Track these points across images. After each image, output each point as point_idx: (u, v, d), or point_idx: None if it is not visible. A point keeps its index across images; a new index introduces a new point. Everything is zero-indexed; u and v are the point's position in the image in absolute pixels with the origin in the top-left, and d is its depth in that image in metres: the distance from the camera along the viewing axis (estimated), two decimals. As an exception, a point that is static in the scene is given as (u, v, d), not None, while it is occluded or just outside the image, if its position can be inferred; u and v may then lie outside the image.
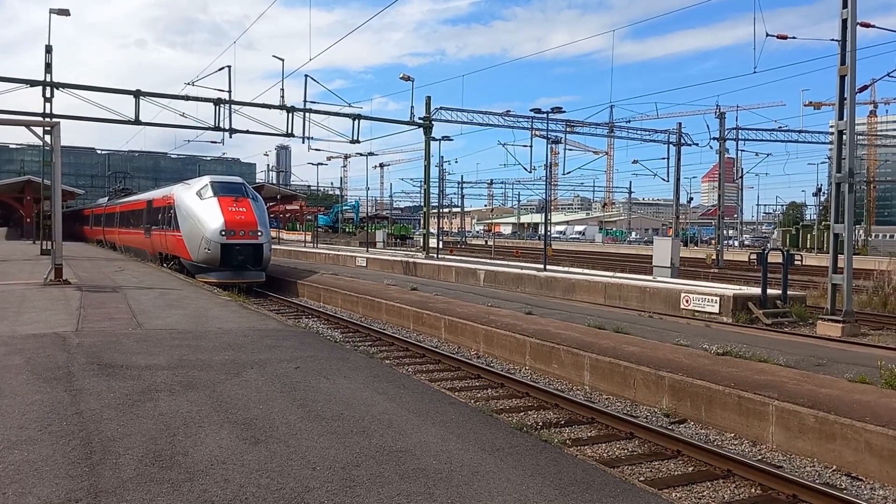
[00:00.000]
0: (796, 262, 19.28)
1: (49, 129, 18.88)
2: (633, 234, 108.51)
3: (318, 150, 78.02)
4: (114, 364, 8.31)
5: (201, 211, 23.50)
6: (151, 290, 17.56)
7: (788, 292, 17.70)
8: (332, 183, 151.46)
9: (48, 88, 25.78)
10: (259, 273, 23.61)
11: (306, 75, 31.01)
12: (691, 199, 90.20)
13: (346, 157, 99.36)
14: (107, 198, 50.34)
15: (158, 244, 27.75)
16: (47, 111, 25.63)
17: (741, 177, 69.81)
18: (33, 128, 19.36)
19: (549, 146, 36.87)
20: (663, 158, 43.63)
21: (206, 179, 25.61)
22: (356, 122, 31.50)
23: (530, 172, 48.24)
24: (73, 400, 6.68)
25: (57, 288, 17.04)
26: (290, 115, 30.15)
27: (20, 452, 5.16)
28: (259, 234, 23.45)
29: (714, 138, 39.58)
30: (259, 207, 24.44)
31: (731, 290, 18.14)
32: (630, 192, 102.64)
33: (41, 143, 21.22)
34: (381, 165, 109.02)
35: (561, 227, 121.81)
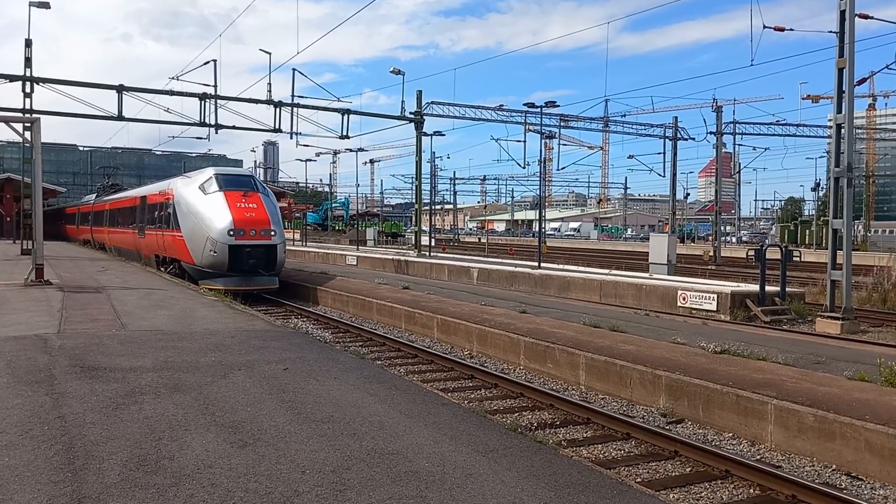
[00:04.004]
0: (795, 259, 19.27)
1: (29, 125, 18.62)
2: (629, 230, 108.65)
3: (307, 145, 78.05)
4: (97, 366, 8.19)
5: (205, 208, 21.11)
6: (136, 290, 17.37)
7: (787, 289, 17.68)
8: (321, 179, 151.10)
9: (28, 83, 25.39)
10: (272, 279, 21.25)
11: (294, 69, 30.77)
12: (688, 194, 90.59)
13: (336, 153, 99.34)
14: (94, 194, 47.94)
15: (155, 246, 25.32)
16: (27, 107, 25.23)
17: (738, 172, 69.68)
18: (13, 124, 18.99)
19: (542, 141, 36.78)
20: (659, 153, 43.38)
21: (209, 171, 23.08)
22: (345, 116, 31.28)
23: (524, 168, 48.09)
24: (56, 403, 6.57)
25: (38, 289, 16.81)
26: (278, 109, 29.79)
27: (0, 458, 5.07)
28: (272, 233, 21.10)
29: (711, 132, 39.54)
30: (271, 203, 22.23)
31: (728, 287, 18.08)
32: (626, 188, 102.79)
33: (21, 140, 20.80)
34: (372, 161, 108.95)
35: (555, 224, 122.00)
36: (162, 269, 24.38)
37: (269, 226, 21.10)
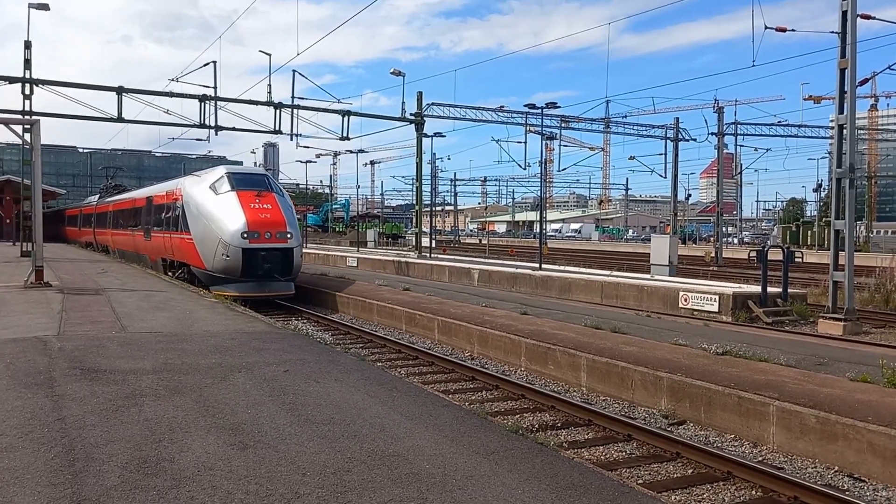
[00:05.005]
0: (797, 260, 19.26)
1: (28, 126, 18.44)
2: (630, 231, 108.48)
3: (307, 147, 78.06)
4: (97, 368, 8.15)
5: (217, 209, 19.76)
6: (136, 292, 17.25)
7: (789, 290, 17.66)
8: (321, 181, 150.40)
9: (28, 85, 25.25)
10: (288, 284, 19.95)
11: (294, 70, 30.65)
12: (689, 195, 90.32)
13: (336, 154, 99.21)
14: (97, 196, 46.61)
15: (162, 248, 24.00)
16: (27, 108, 25.08)
17: (740, 172, 69.51)
18: (12, 126, 18.79)
19: (543, 142, 36.62)
20: (660, 154, 43.09)
21: (220, 170, 21.66)
22: (346, 118, 31.19)
23: (525, 169, 48.03)
24: (55, 406, 6.54)
25: (38, 291, 16.71)
26: (278, 111, 29.64)
27: (0, 460, 5.05)
28: (288, 235, 19.76)
29: (712, 133, 39.36)
30: (286, 204, 20.88)
31: (730, 288, 18.04)
32: (627, 189, 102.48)
33: (20, 142, 20.60)
34: (372, 163, 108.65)
35: (556, 225, 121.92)
36: (170, 273, 23.25)
37: (286, 228, 19.83)
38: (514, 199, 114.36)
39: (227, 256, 18.97)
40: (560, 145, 45.70)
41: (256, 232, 19.16)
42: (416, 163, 34.11)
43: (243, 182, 20.71)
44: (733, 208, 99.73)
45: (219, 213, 19.67)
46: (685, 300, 17.34)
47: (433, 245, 41.57)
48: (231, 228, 19.08)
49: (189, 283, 20.63)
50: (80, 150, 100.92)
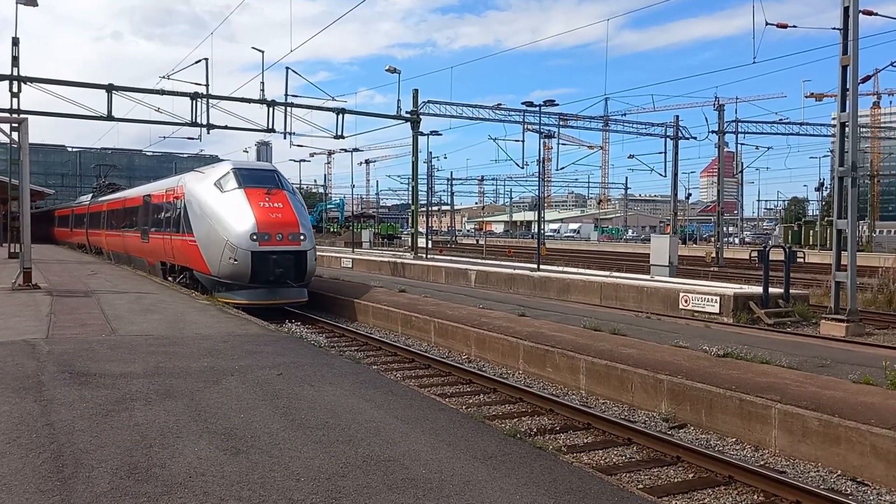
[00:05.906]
0: (799, 260, 19.20)
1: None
2: (630, 231, 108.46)
3: (301, 146, 77.70)
4: (86, 372, 8.06)
5: (223, 208, 18.30)
6: (126, 294, 17.08)
7: (791, 291, 17.59)
8: (315, 180, 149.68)
9: (15, 83, 25.01)
10: (301, 290, 18.51)
11: (287, 68, 30.44)
12: (689, 194, 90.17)
13: (330, 153, 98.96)
14: (90, 195, 45.58)
15: (161, 251, 22.49)
16: (14, 107, 24.81)
17: (741, 171, 69.47)
18: (-1, 124, 18.78)
19: (541, 141, 36.42)
20: (660, 153, 42.89)
21: (226, 166, 20.19)
22: (340, 116, 31.07)
23: (522, 168, 47.75)
24: (44, 410, 6.46)
25: (26, 293, 16.53)
26: (271, 109, 29.41)
27: (-13, 467, 4.96)
28: (302, 237, 18.29)
29: (713, 131, 39.23)
30: (298, 203, 19.49)
31: (731, 289, 17.99)
32: (626, 188, 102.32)
33: (8, 141, 20.33)
34: (367, 162, 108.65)
35: (555, 225, 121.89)
36: (170, 278, 21.98)
37: (299, 229, 18.38)
38: (511, 198, 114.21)
39: (235, 260, 17.61)
40: (558, 144, 45.70)
41: (267, 233, 17.81)
42: (412, 162, 33.96)
43: (251, 178, 19.24)
44: (734, 208, 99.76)
45: (225, 212, 18.28)
46: (685, 301, 17.27)
47: (429, 246, 41.46)
48: (239, 230, 17.69)
49: (192, 289, 19.62)
50: (70, 150, 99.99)
